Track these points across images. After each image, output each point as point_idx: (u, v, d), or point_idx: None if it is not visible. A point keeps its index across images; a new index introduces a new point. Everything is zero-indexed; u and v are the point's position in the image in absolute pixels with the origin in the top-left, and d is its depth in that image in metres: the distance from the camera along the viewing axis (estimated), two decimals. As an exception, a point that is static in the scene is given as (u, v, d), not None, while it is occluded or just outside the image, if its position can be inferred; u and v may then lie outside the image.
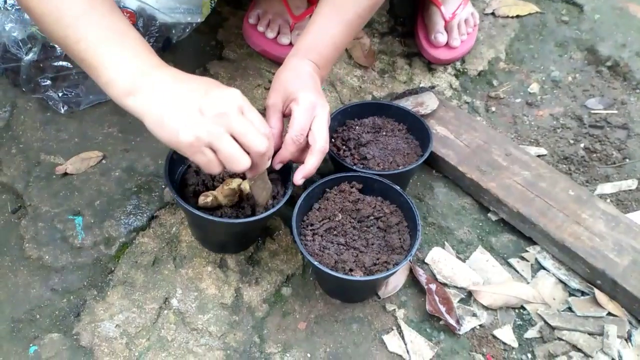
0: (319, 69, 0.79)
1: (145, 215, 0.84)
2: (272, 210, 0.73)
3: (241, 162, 0.62)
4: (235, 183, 0.74)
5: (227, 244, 0.81)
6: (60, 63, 0.92)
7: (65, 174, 0.88)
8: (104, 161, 0.90)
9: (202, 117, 0.60)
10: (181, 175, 0.79)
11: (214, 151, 0.61)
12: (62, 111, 0.95)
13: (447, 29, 1.10)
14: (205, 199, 0.73)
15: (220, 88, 0.63)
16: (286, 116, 0.76)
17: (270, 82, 1.06)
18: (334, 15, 0.79)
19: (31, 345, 0.72)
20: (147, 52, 0.64)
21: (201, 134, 0.59)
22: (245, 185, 0.75)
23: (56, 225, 0.82)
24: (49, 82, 0.94)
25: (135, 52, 0.63)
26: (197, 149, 0.60)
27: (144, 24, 0.96)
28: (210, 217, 0.71)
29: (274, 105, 0.75)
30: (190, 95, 0.61)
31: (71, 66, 0.93)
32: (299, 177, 0.74)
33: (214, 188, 0.76)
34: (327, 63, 0.81)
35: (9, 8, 0.94)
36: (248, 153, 0.62)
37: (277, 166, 0.74)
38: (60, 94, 0.95)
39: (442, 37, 1.09)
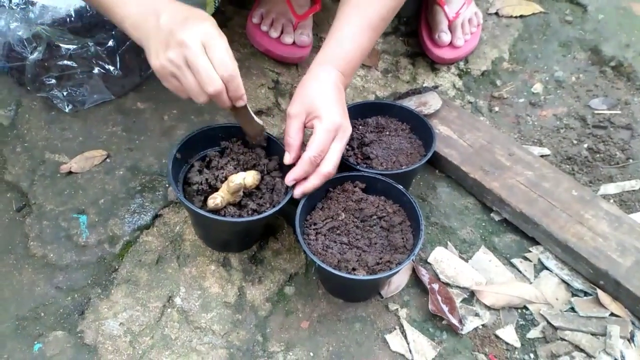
0: (345, 77, 0.78)
1: (149, 214, 0.84)
2: (274, 209, 0.73)
3: (199, 97, 0.65)
4: (239, 178, 0.74)
5: (230, 242, 0.81)
6: (65, 62, 0.93)
7: (70, 172, 0.88)
8: (108, 160, 0.91)
9: (167, 46, 0.63)
10: (184, 174, 0.80)
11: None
12: (67, 110, 0.96)
13: (451, 28, 1.10)
14: (215, 201, 0.73)
15: (196, 19, 0.64)
16: (307, 127, 0.76)
17: (273, 81, 1.06)
18: (358, 19, 0.77)
19: (36, 342, 0.72)
20: None
21: (165, 62, 0.64)
22: (248, 179, 0.74)
23: (61, 224, 0.82)
24: (53, 81, 0.94)
25: None
26: (164, 76, 0.65)
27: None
28: (214, 217, 0.71)
29: (296, 116, 0.74)
30: (169, 22, 0.64)
31: (76, 65, 0.94)
32: (298, 192, 0.74)
33: (217, 188, 0.77)
34: (352, 70, 0.80)
35: (14, 7, 0.95)
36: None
37: (290, 183, 0.74)
38: (65, 93, 0.95)
39: (445, 37, 1.09)
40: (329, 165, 0.72)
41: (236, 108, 0.72)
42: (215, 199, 0.73)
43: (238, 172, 0.77)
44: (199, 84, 0.64)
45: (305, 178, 0.74)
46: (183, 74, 0.64)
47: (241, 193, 0.75)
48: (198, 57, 0.62)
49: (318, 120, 0.73)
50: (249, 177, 0.75)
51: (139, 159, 0.91)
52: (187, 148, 0.80)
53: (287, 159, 0.74)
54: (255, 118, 0.76)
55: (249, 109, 0.74)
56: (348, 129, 0.74)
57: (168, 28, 0.64)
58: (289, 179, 0.73)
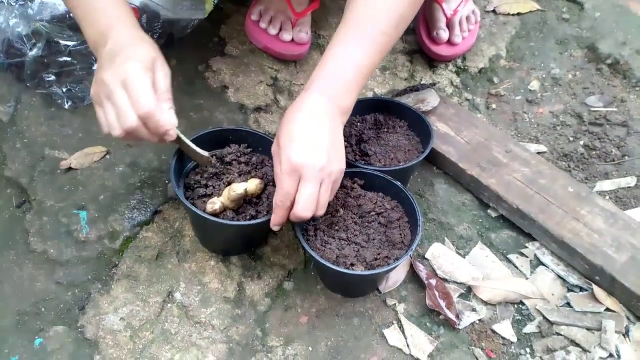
0: (334, 99, 0.68)
1: (149, 210, 0.85)
2: (267, 218, 0.71)
3: (113, 131, 0.67)
4: (241, 188, 0.72)
5: (224, 245, 0.81)
6: (65, 59, 0.93)
7: (70, 169, 0.88)
8: (108, 156, 0.91)
9: (98, 82, 0.68)
10: (186, 175, 0.80)
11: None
12: (67, 107, 0.96)
13: (449, 26, 1.10)
14: (213, 206, 0.72)
15: (124, 60, 0.66)
16: None
17: (272, 79, 1.06)
18: (354, 35, 0.70)
19: (37, 337, 0.73)
20: (123, 17, 0.71)
21: (94, 96, 0.69)
22: (251, 187, 0.74)
23: (61, 220, 0.83)
24: (53, 77, 0.95)
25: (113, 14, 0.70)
26: (95, 104, 0.69)
27: (148, 20, 0.97)
28: (208, 217, 0.71)
29: (274, 153, 0.69)
30: (104, 55, 0.68)
31: (76, 62, 0.94)
32: (272, 225, 0.70)
33: (219, 189, 0.76)
34: (351, 91, 0.70)
35: (12, 3, 0.95)
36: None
37: (275, 228, 0.70)
38: (64, 90, 0.96)
39: (444, 34, 1.09)
40: (299, 209, 0.65)
41: (178, 141, 0.73)
42: (215, 205, 0.72)
43: (242, 178, 0.77)
44: (116, 119, 0.67)
45: None
46: (105, 108, 0.67)
47: (242, 201, 0.75)
48: (117, 95, 0.65)
49: (278, 163, 0.67)
50: (252, 185, 0.74)
51: (139, 155, 0.92)
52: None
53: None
54: (197, 150, 0.76)
55: (187, 141, 0.75)
56: (315, 167, 0.64)
57: (101, 62, 0.69)
58: (272, 224, 0.69)
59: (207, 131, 0.81)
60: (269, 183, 0.77)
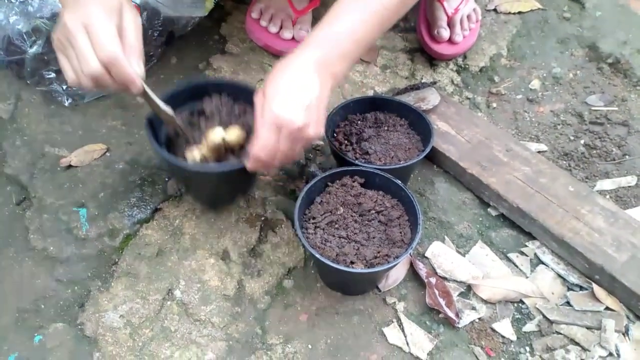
0: (328, 62, 0.68)
1: (149, 207, 0.85)
2: (240, 165, 0.70)
3: (79, 79, 0.65)
4: (218, 134, 0.71)
5: (212, 197, 0.82)
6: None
7: (70, 166, 0.88)
8: (107, 154, 0.91)
9: (59, 26, 0.65)
10: (166, 135, 0.79)
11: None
12: (67, 104, 0.96)
13: (450, 24, 1.10)
14: (192, 154, 0.72)
15: (87, 2, 0.64)
16: None
17: (272, 76, 1.06)
18: (357, 3, 0.69)
19: (36, 334, 0.73)
20: None
21: (55, 41, 0.66)
22: (231, 136, 0.73)
23: (61, 217, 0.83)
24: (53, 74, 0.95)
25: None
26: (56, 50, 0.67)
27: (148, 18, 0.97)
28: (180, 164, 0.72)
29: (257, 102, 0.69)
30: (69, 1, 0.65)
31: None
32: (248, 165, 0.69)
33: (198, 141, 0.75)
34: (344, 58, 0.69)
35: (13, 0, 0.95)
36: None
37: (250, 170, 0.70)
38: (64, 87, 0.96)
39: (444, 33, 1.09)
40: (253, 146, 0.67)
41: (144, 94, 0.70)
42: (192, 152, 0.72)
43: (223, 127, 0.75)
44: (78, 65, 0.64)
45: None
46: (68, 53, 0.65)
47: (223, 150, 0.73)
48: (79, 40, 0.63)
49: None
50: (232, 134, 0.73)
51: (139, 153, 0.91)
52: (175, 100, 0.77)
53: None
54: (163, 106, 0.73)
55: (153, 96, 0.71)
56: (294, 125, 0.64)
57: (64, 3, 0.66)
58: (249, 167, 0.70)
59: (186, 86, 0.80)
60: (251, 132, 0.75)
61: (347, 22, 0.69)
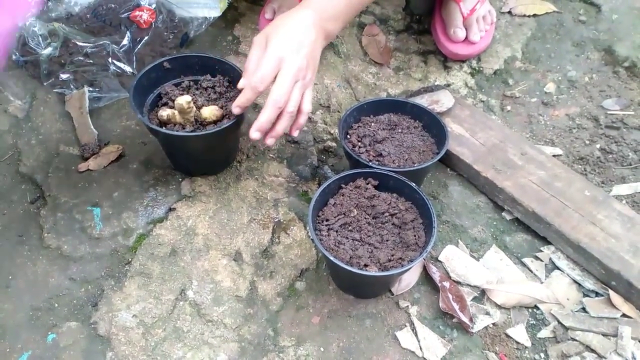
0: (323, 20, 0.75)
1: (162, 207, 0.85)
2: (213, 130, 0.77)
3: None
4: (183, 99, 0.76)
5: (189, 163, 0.87)
6: (81, 58, 0.93)
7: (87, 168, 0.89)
8: (122, 154, 0.91)
9: None
10: (151, 103, 0.84)
11: None
12: (82, 104, 0.96)
13: (466, 24, 1.10)
14: (162, 112, 0.78)
15: None
16: None
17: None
18: None
19: (49, 333, 0.73)
20: None
21: None
22: (205, 111, 0.79)
23: (75, 216, 0.83)
24: (69, 75, 0.95)
25: None
26: None
27: (164, 20, 0.97)
28: (158, 129, 0.77)
29: (256, 43, 0.74)
30: None
31: (92, 62, 0.94)
32: (252, 131, 0.73)
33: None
34: (338, 19, 0.77)
35: (29, 1, 0.95)
36: None
37: (236, 110, 0.75)
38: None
39: (461, 32, 1.09)
40: (273, 94, 0.71)
41: None
42: (164, 110, 0.78)
43: (207, 103, 0.82)
44: None
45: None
46: None
47: (192, 115, 0.78)
48: None
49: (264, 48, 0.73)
50: (207, 111, 0.79)
51: (153, 153, 0.92)
52: (158, 73, 0.84)
53: (240, 83, 0.74)
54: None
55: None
56: (295, 64, 0.71)
57: None
58: (235, 105, 0.75)
59: (197, 54, 0.86)
60: (227, 115, 0.81)
61: None
